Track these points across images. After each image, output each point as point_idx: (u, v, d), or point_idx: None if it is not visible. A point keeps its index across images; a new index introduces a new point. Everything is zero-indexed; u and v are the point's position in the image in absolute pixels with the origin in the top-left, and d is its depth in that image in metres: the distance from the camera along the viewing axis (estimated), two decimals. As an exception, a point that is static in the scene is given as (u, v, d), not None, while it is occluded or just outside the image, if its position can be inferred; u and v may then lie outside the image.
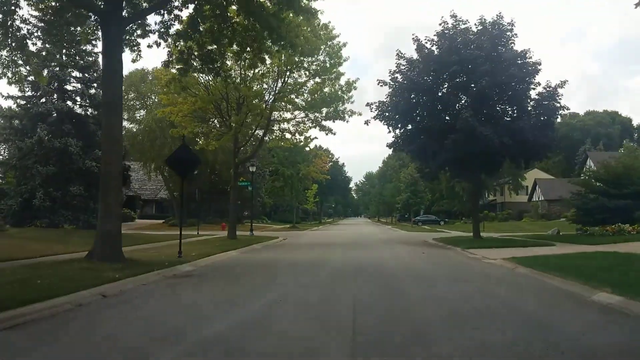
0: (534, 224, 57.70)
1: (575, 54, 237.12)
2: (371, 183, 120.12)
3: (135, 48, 18.75)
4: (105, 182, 15.01)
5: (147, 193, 74.53)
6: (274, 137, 31.33)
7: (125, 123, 53.88)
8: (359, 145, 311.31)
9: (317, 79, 28.35)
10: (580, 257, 16.62)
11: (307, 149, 57.90)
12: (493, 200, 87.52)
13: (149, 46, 18.76)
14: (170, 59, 18.29)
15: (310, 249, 24.98)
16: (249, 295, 10.28)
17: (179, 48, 18.14)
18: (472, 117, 25.58)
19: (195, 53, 18.25)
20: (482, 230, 50.96)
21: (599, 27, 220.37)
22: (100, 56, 21.26)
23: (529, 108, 28.03)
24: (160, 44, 18.11)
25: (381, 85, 29.42)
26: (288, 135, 31.06)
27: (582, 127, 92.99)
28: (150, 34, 18.32)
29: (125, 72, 27.36)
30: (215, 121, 30.04)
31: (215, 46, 18.18)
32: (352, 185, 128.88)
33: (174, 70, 18.91)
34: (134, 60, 18.88)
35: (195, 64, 18.53)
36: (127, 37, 17.96)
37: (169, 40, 18.20)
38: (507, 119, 28.19)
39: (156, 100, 46.96)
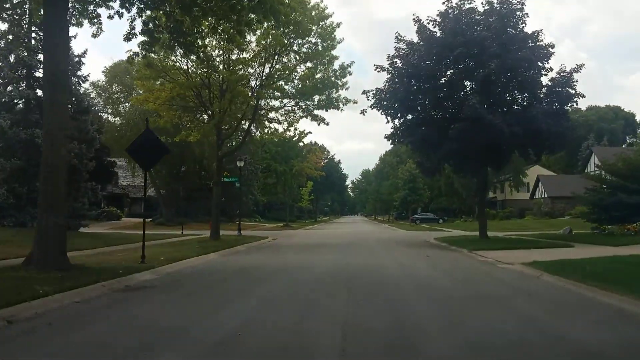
0: (539, 222, 55.33)
1: (573, 48, 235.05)
2: (368, 180, 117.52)
3: (96, 20, 16.16)
4: (45, 171, 12.37)
5: (135, 190, 71.74)
6: (262, 128, 28.60)
7: (109, 117, 51.27)
8: (355, 143, 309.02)
9: (309, 64, 25.75)
10: (615, 261, 14.11)
11: (301, 144, 55.41)
12: (493, 198, 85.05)
13: (110, 17, 16.05)
14: (133, 31, 15.65)
15: (299, 251, 22.43)
16: (199, 321, 7.66)
17: (143, 18, 15.51)
18: (479, 104, 23.05)
19: (163, 25, 15.65)
20: (489, 230, 48.59)
21: (598, 23, 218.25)
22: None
23: (541, 95, 25.50)
24: (122, 14, 15.53)
25: (379, 71, 26.95)
26: (277, 126, 28.41)
27: (584, 122, 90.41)
28: (111, 1, 15.71)
29: (109, 62, 24.88)
30: (197, 111, 27.26)
31: (186, 17, 15.57)
32: (348, 183, 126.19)
33: (137, 48, 16.22)
34: (94, 35, 16.17)
35: (163, 37, 15.91)
36: (82, 4, 15.37)
37: (133, 10, 15.60)
38: (517, 107, 25.69)
39: (142, 92, 44.43)
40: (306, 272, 14.23)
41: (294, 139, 56.18)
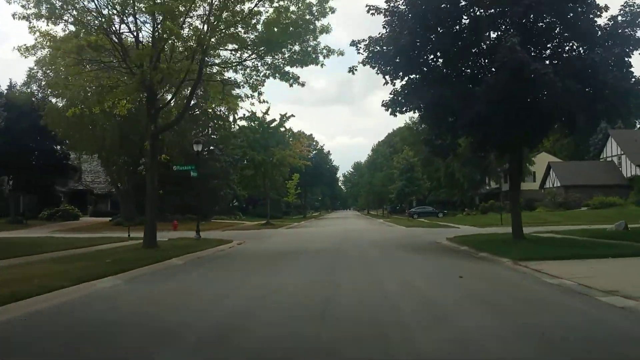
0: (556, 215, 48.58)
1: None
2: (360, 173, 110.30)
3: None
4: None
5: (100, 187, 64.32)
6: (214, 93, 20.98)
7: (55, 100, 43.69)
8: (347, 137, 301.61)
9: (279, 2, 18.31)
10: None
11: (282, 129, 48.12)
12: (496, 189, 78.14)
13: None
14: None
15: (261, 265, 15.19)
16: None
17: None
18: (520, 47, 15.89)
19: None
20: (498, 223, 41.61)
21: None
22: None
23: (598, 40, 18.34)
24: None
25: (373, 14, 19.74)
26: (236, 91, 20.99)
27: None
28: None
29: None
30: (121, 70, 19.59)
31: None
32: (339, 176, 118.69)
33: None
34: None
35: None
36: None
37: None
38: (565, 55, 18.54)
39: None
40: (248, 326, 7.07)
41: (275, 123, 49.18)
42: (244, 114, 47.10)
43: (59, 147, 48.42)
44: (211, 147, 55.26)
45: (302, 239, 26.80)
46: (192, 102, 45.69)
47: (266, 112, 47.38)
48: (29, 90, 43.79)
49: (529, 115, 17.42)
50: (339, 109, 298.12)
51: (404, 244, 22.89)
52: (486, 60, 17.99)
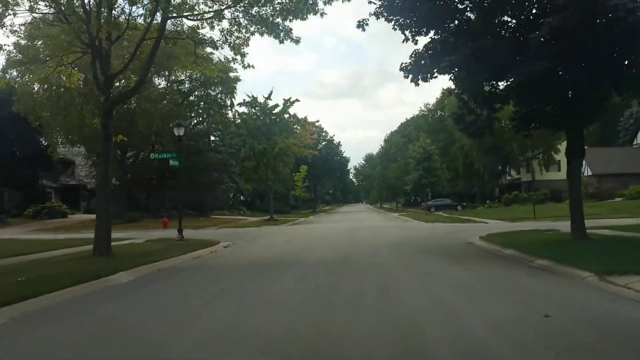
0: (591, 206, 43.39)
1: None
2: (372, 165, 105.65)
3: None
4: None
5: (95, 182, 60.18)
6: (182, 54, 16.41)
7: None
8: (359, 131, 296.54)
9: None
10: None
11: (286, 115, 43.65)
12: (516, 179, 73.29)
13: None
14: None
15: (234, 285, 10.63)
16: None
17: None
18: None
19: None
20: (529, 216, 37.00)
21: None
22: None
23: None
24: None
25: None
26: (213, 54, 16.54)
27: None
28: None
29: None
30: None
31: None
32: (350, 168, 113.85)
33: None
34: None
35: None
36: None
37: None
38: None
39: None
40: None
41: (277, 109, 44.73)
42: (244, 99, 42.82)
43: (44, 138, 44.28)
44: (212, 138, 51.05)
45: (302, 240, 22.35)
46: (187, 86, 41.62)
47: (268, 97, 43.00)
48: (7, 75, 39.56)
49: (606, 74, 12.80)
50: (350, 102, 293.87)
51: (429, 245, 18.42)
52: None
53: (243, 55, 15.03)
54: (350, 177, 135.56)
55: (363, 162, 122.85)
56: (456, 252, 15.98)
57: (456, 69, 15.44)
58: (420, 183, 48.91)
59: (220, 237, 24.01)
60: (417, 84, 16.54)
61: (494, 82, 16.60)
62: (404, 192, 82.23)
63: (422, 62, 15.86)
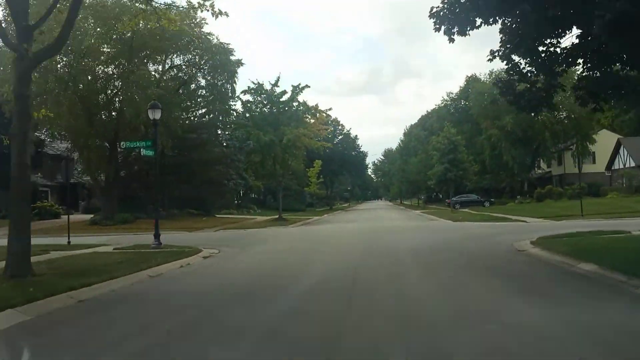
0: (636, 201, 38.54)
1: None
2: (391, 160, 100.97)
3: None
4: None
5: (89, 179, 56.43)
6: None
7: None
8: (377, 127, 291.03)
9: None
10: None
11: (295, 104, 39.30)
12: (547, 173, 68.25)
13: None
14: None
15: (150, 344, 6.50)
16: None
17: None
18: None
19: None
20: (573, 213, 32.31)
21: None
22: None
23: None
24: None
25: None
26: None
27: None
28: None
29: None
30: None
31: None
32: (368, 163, 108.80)
33: None
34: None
35: None
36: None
37: None
38: None
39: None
40: None
41: (285, 96, 40.46)
42: (248, 87, 38.55)
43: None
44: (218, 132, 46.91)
45: (306, 247, 18.02)
46: (184, 72, 37.45)
47: (275, 84, 38.71)
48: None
49: None
50: (368, 98, 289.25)
51: (469, 255, 14.06)
52: None
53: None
54: (369, 173, 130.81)
55: (382, 157, 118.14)
56: (511, 269, 11.59)
57: (506, 18, 11.04)
58: (445, 177, 44.15)
59: (211, 242, 20.00)
60: (451, 40, 12.16)
61: (556, 38, 12.21)
62: (426, 187, 77.40)
63: (458, 5, 11.48)
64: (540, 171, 67.69)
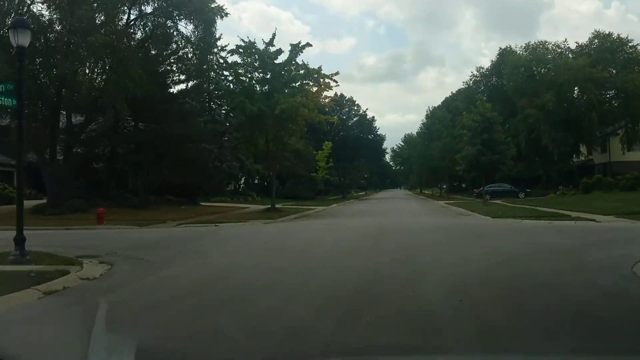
0: None
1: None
2: (411, 145, 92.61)
3: None
4: None
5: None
6: None
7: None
8: (398, 115, 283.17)
9: None
10: None
11: (293, 65, 31.37)
12: (588, 161, 59.68)
13: None
14: None
15: None
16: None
17: None
18: None
19: None
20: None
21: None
22: None
23: None
24: None
25: None
26: None
27: None
28: None
29: None
30: None
31: None
32: (387, 148, 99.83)
33: None
34: None
35: None
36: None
37: None
38: None
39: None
40: None
41: (281, 57, 32.53)
42: (237, 45, 30.79)
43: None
44: (209, 102, 39.26)
45: (270, 266, 10.43)
46: (155, 21, 29.84)
47: (270, 43, 30.87)
48: None
49: None
50: (390, 85, 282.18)
51: (562, 293, 6.52)
52: None
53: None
54: (387, 160, 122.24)
55: (401, 143, 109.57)
56: None
57: None
58: (478, 162, 35.85)
59: (132, 248, 12.81)
60: None
61: None
62: (449, 175, 69.27)
63: None
64: (580, 159, 59.07)
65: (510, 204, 37.84)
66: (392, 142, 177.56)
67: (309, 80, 30.89)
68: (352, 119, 75.82)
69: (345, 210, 37.94)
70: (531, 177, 57.54)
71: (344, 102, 75.68)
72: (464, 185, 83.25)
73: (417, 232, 17.75)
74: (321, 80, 30.71)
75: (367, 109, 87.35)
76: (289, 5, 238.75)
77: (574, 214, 24.27)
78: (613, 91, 51.05)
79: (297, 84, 31.37)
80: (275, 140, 31.10)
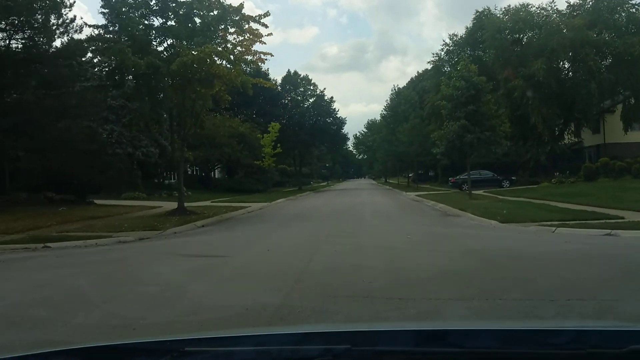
0: None
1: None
2: (375, 130, 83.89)
3: None
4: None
5: None
6: None
7: None
8: (362, 105, 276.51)
9: None
10: None
11: (206, 3, 21.84)
12: (577, 143, 51.87)
13: None
14: None
15: None
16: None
17: None
18: None
19: None
20: None
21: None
22: None
23: None
24: None
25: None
26: None
27: None
28: None
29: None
30: None
31: None
32: (348, 133, 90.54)
33: None
34: None
35: None
36: None
37: None
38: None
39: None
40: None
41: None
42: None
43: None
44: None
45: None
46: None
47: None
48: None
49: None
50: (353, 75, 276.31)
51: None
52: None
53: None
54: (350, 148, 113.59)
55: (364, 130, 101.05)
56: None
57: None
58: (462, 141, 26.67)
59: None
60: None
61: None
62: (420, 161, 60.84)
63: None
64: (572, 140, 50.97)
65: (500, 196, 29.52)
66: (356, 131, 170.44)
67: (228, 25, 21.44)
68: (308, 100, 66.66)
69: (287, 208, 28.53)
70: (515, 162, 49.50)
71: (299, 80, 66.56)
72: (431, 174, 74.87)
73: (390, 235, 8.66)
74: (246, 26, 21.28)
75: (324, 88, 77.56)
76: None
77: (617, 213, 15.81)
78: (611, 58, 42.88)
79: (214, 35, 21.85)
80: (182, 113, 21.62)
